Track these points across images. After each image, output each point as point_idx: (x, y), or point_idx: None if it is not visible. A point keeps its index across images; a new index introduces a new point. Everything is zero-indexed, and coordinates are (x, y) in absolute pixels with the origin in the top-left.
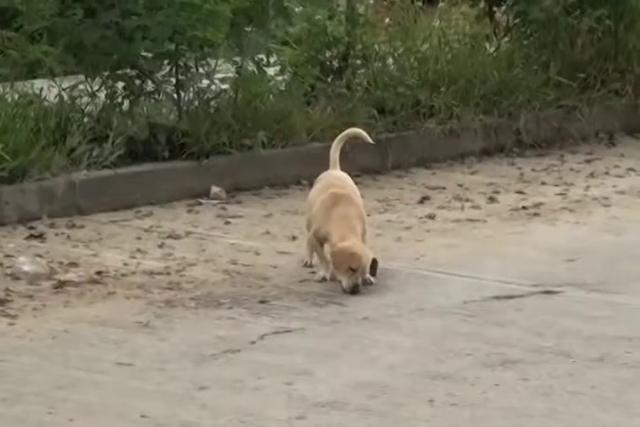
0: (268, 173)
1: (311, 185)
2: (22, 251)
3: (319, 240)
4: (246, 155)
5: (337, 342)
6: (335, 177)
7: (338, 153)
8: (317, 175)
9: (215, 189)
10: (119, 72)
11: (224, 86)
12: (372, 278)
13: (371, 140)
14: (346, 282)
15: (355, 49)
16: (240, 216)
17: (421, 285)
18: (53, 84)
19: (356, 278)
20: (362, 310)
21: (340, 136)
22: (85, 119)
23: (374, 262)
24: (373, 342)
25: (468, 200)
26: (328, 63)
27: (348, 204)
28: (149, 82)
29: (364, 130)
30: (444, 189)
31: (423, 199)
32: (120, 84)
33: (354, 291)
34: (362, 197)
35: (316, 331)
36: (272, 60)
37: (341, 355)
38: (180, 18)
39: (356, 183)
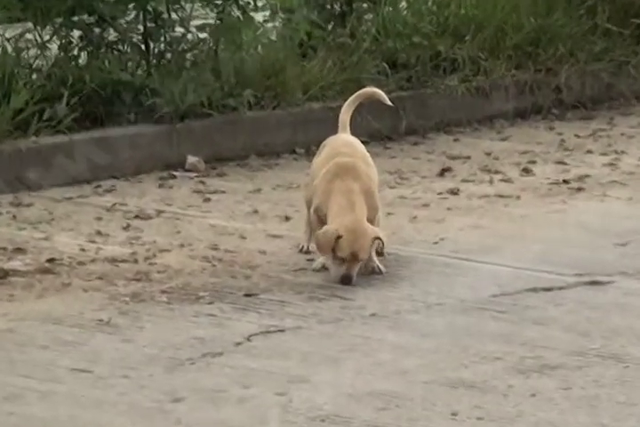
0: (255, 140)
1: (308, 154)
2: None
3: (321, 220)
4: (229, 118)
5: (339, 344)
6: (343, 142)
7: (349, 116)
8: (315, 142)
9: (192, 160)
10: (74, 19)
11: (202, 35)
12: (380, 267)
13: (389, 103)
14: (333, 271)
15: None
16: (222, 192)
17: (441, 274)
18: None
19: (348, 268)
20: (369, 306)
21: (352, 97)
22: (34, 75)
23: (378, 240)
24: (383, 344)
25: (497, 172)
26: (328, 7)
27: (353, 176)
28: (111, 30)
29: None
30: (468, 158)
31: (443, 171)
32: (76, 34)
33: (343, 282)
34: None
35: (315, 330)
36: (260, 3)
37: (344, 359)
38: None
39: None
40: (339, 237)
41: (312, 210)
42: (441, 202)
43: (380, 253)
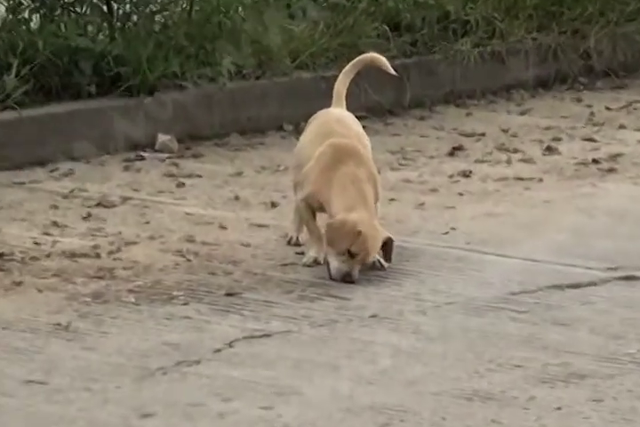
0: (236, 116)
1: (297, 131)
2: None
3: (311, 208)
4: (206, 90)
5: (334, 350)
6: (335, 118)
7: (345, 87)
8: (305, 117)
9: (163, 138)
10: None
11: None
12: (382, 261)
13: (392, 71)
14: (335, 266)
15: None
16: (198, 175)
17: (452, 269)
18: None
19: (350, 265)
20: (369, 306)
21: (350, 65)
22: None
23: (388, 243)
24: (385, 350)
25: (516, 151)
26: None
27: (356, 162)
28: None
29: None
30: (482, 135)
31: (454, 150)
32: None
33: (344, 280)
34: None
35: (306, 335)
36: None
37: (341, 367)
38: None
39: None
40: (359, 233)
41: (302, 197)
42: (451, 186)
43: (387, 259)
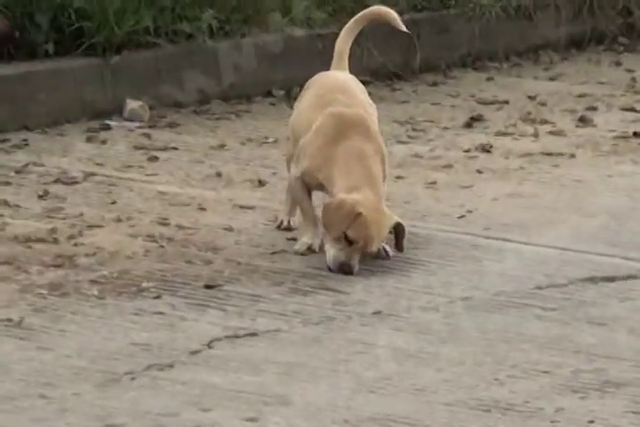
0: (218, 78)
1: (289, 97)
2: None
3: (307, 187)
4: (183, 48)
5: (331, 353)
6: (336, 83)
7: (348, 47)
8: (299, 81)
9: (132, 105)
10: None
11: None
12: (387, 248)
13: (403, 28)
14: (332, 255)
15: None
16: (173, 148)
17: (469, 259)
18: None
19: (349, 254)
20: (371, 301)
21: (352, 20)
22: None
23: (399, 229)
24: (390, 353)
25: (544, 122)
26: None
27: (361, 134)
28: None
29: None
30: (505, 103)
31: (472, 121)
32: None
33: (342, 271)
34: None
35: (298, 334)
36: None
37: (338, 372)
38: None
39: None
40: (358, 215)
41: (297, 174)
42: (468, 162)
43: (398, 248)
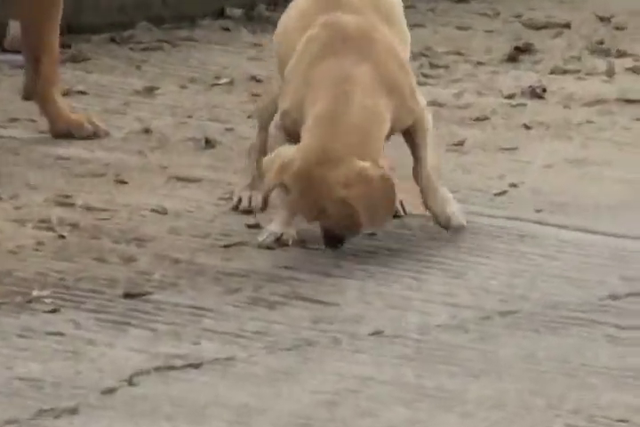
0: None
1: (249, 19)
2: None
3: (291, 137)
4: None
5: (308, 392)
6: None
7: None
8: None
9: (19, 29)
10: None
11: None
12: (404, 206)
13: None
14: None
15: None
16: (81, 92)
17: (511, 254)
18: None
19: (325, 229)
20: (368, 316)
21: None
22: None
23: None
24: (394, 392)
25: (623, 54)
26: None
27: (356, 50)
28: None
29: None
30: (565, 27)
31: (517, 52)
32: None
33: (329, 244)
34: None
35: (261, 364)
36: None
37: (317, 422)
38: None
39: None
40: (319, 180)
41: (276, 119)
42: (512, 113)
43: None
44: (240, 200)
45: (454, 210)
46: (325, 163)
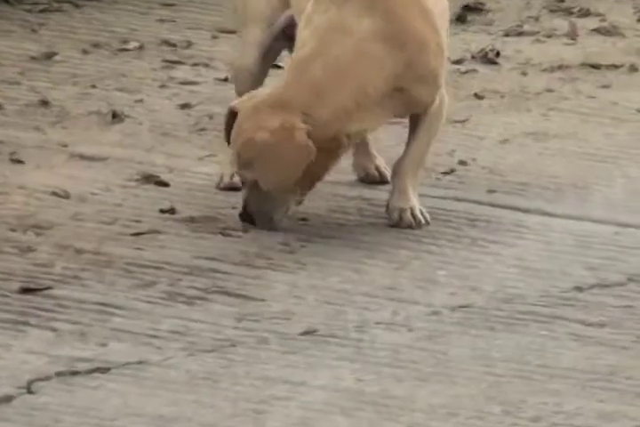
0: None
1: None
2: None
3: None
4: None
5: (231, 400)
6: None
7: None
8: None
9: None
10: None
11: None
12: (383, 168)
13: None
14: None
15: None
16: None
17: (461, 241)
18: None
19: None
20: (301, 313)
21: None
22: None
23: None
24: (331, 399)
25: (587, 13)
26: None
27: (363, 3)
28: None
29: None
30: None
31: (466, 11)
32: None
33: (242, 218)
34: None
35: (178, 369)
36: None
37: None
38: None
39: None
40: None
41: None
42: (461, 81)
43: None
44: (222, 178)
45: (414, 210)
46: (268, 108)
